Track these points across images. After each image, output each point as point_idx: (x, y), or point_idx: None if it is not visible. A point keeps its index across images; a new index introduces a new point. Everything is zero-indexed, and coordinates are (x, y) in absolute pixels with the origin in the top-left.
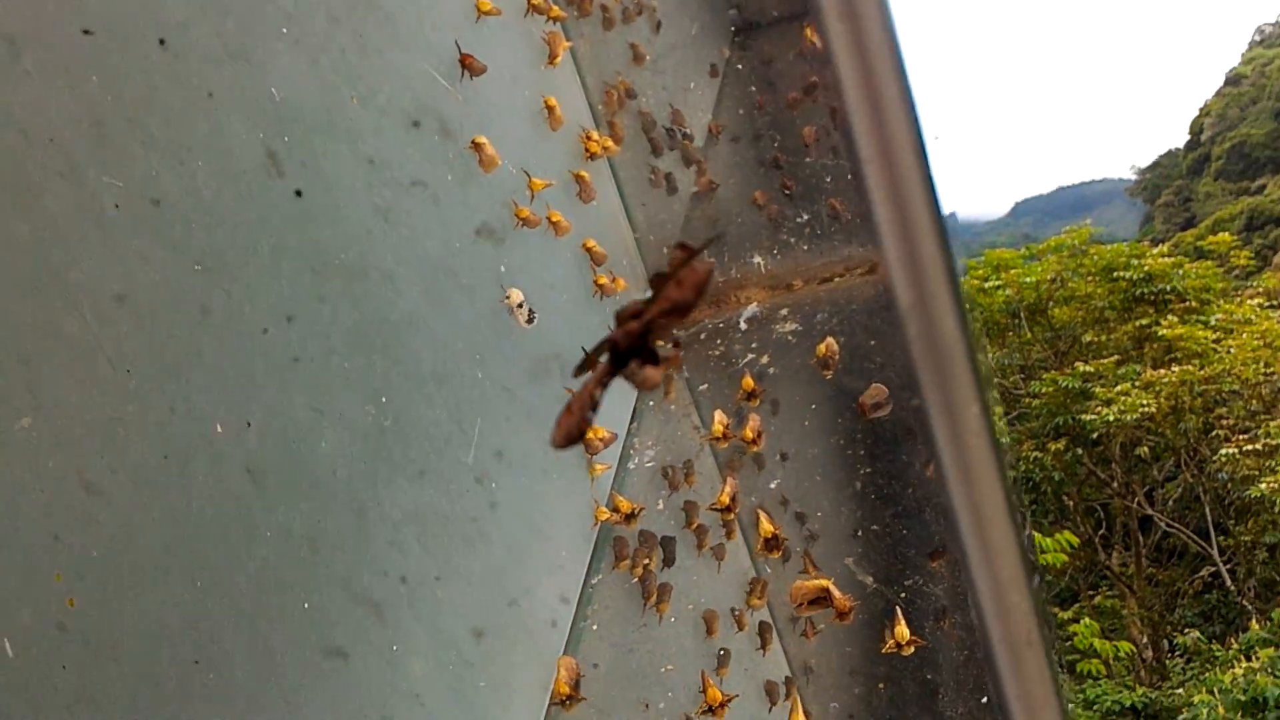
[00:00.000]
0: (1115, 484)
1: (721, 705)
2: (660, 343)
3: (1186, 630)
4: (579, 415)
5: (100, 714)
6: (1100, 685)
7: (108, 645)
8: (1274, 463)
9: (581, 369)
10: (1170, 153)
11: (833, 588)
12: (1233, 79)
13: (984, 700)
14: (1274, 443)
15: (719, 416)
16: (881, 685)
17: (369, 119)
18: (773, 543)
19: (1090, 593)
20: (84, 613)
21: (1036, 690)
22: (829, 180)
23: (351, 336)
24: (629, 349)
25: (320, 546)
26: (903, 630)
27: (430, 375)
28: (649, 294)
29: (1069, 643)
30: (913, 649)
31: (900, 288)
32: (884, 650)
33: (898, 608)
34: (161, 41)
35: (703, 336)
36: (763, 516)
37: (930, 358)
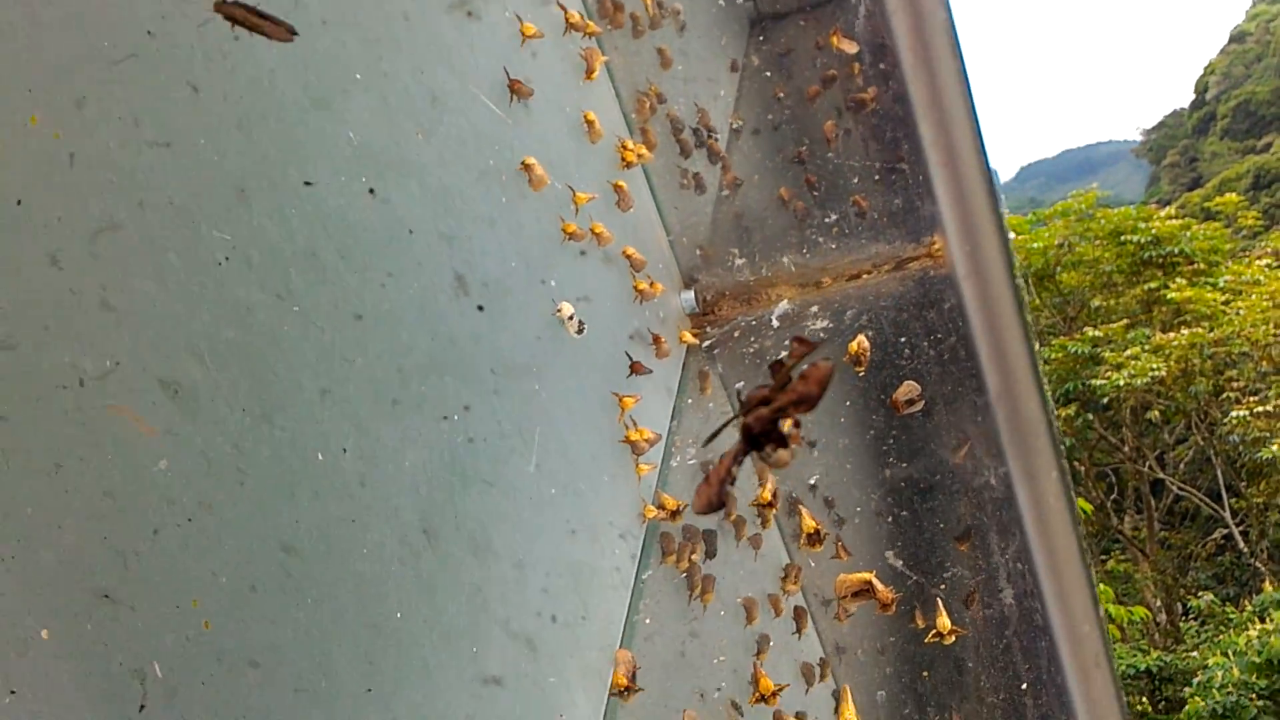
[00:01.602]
0: (1126, 448)
1: (774, 694)
2: (786, 425)
3: (1200, 593)
4: (717, 486)
5: (222, 652)
6: (1115, 649)
7: (276, 674)
8: None
9: (709, 441)
10: (1175, 113)
11: (875, 580)
12: (1237, 36)
13: (1022, 686)
14: None
15: None
16: (922, 669)
17: (432, 152)
18: (814, 537)
19: (1103, 557)
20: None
21: (1103, 705)
22: (854, 179)
23: (423, 357)
24: (761, 432)
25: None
26: (944, 621)
27: (495, 391)
28: (768, 379)
29: None
30: (954, 638)
31: (956, 255)
32: (926, 640)
33: (939, 599)
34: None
35: (736, 334)
36: (804, 512)
37: (996, 361)
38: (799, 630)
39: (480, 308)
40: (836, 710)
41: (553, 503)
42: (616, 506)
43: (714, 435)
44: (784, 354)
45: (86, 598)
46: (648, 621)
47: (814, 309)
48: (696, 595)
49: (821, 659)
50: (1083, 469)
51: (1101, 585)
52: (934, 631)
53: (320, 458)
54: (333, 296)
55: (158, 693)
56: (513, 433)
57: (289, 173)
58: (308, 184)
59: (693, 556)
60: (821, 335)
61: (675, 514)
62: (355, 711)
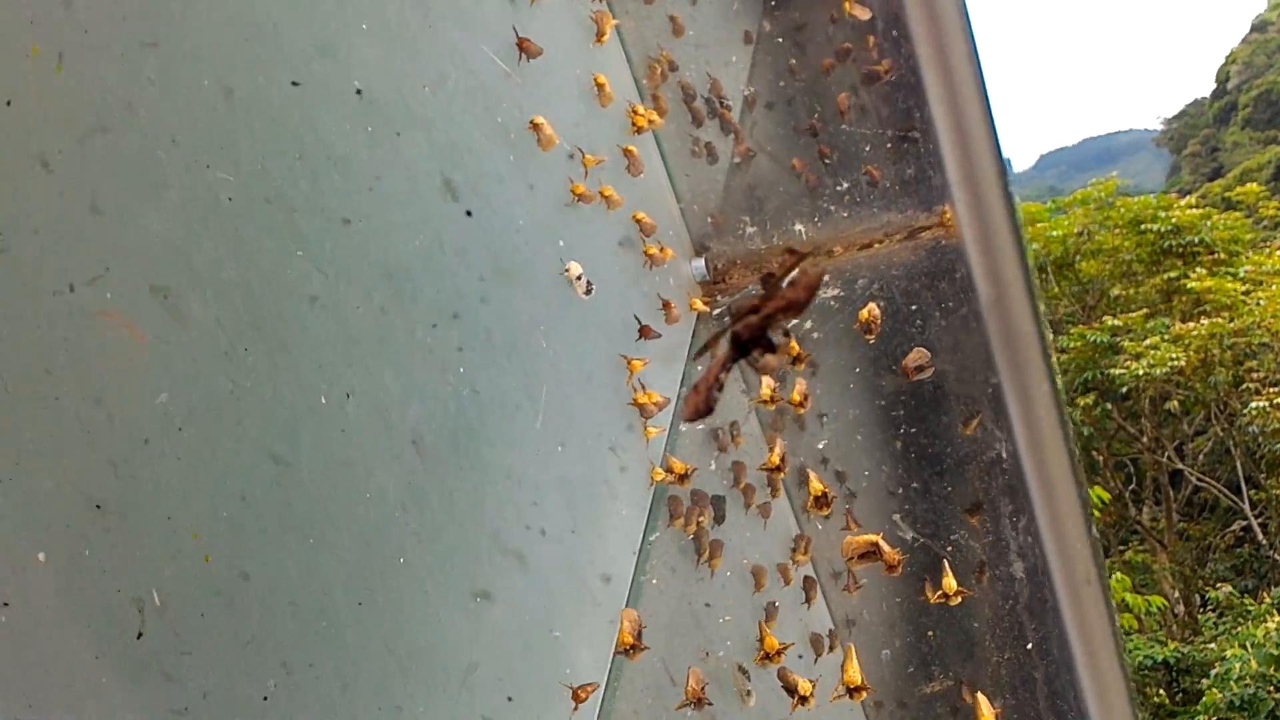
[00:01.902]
0: (1145, 438)
1: (778, 653)
2: (775, 333)
3: (1218, 585)
4: (705, 394)
5: (273, 647)
6: (1132, 640)
7: (272, 594)
8: None
9: (700, 353)
10: (1196, 102)
11: (882, 542)
12: (1259, 25)
13: (1028, 647)
14: None
15: (766, 380)
16: (929, 633)
17: (439, 105)
18: (822, 500)
19: (1121, 548)
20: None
21: (1094, 624)
22: (866, 148)
23: (431, 308)
24: (749, 339)
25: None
26: (950, 582)
27: (500, 345)
28: (759, 290)
29: None
30: (959, 599)
31: (966, 228)
32: (932, 600)
33: (945, 560)
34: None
35: None
36: (812, 475)
37: (995, 300)
38: (808, 600)
39: (469, 213)
40: (842, 668)
41: (542, 415)
42: (608, 421)
43: (704, 349)
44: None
45: (78, 508)
46: (654, 582)
47: (825, 277)
48: (704, 560)
49: (831, 630)
50: (1101, 459)
51: (1118, 574)
52: (939, 592)
53: (309, 366)
54: (321, 201)
55: (153, 613)
56: (501, 343)
57: (277, 73)
58: (295, 84)
59: (700, 521)
60: (832, 304)
61: (683, 478)
62: (347, 626)
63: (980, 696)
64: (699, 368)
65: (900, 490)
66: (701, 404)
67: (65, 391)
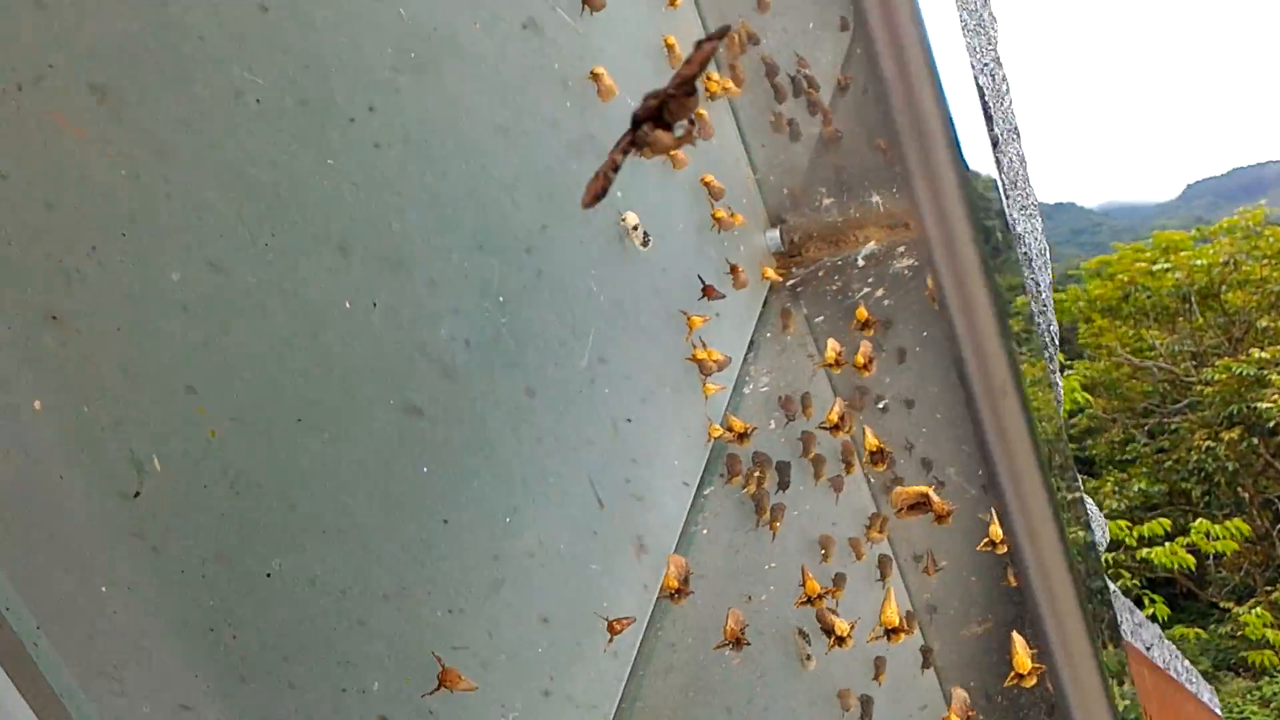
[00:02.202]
0: None
1: (819, 597)
2: (678, 119)
3: None
4: (603, 179)
5: (229, 463)
6: (1277, 682)
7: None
8: None
9: (613, 149)
10: None
11: (932, 493)
12: None
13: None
14: None
15: (832, 344)
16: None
17: (491, 44)
18: (879, 456)
19: (1268, 589)
20: (216, 413)
21: (1012, 433)
22: None
23: (470, 239)
24: (645, 119)
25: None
26: (996, 529)
27: (546, 284)
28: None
29: (1240, 635)
30: (1005, 548)
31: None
32: (978, 548)
33: (993, 509)
34: None
35: (821, 273)
36: (868, 431)
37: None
38: (883, 578)
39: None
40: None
41: (588, 355)
42: (661, 372)
43: (617, 145)
44: (864, 290)
45: (34, 319)
46: (705, 533)
47: (900, 249)
48: (764, 520)
49: (908, 611)
50: (1247, 495)
51: (1259, 609)
52: (986, 540)
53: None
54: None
55: (152, 476)
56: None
57: None
58: None
59: (760, 481)
60: (906, 273)
61: (743, 437)
62: (290, 443)
63: (1016, 635)
64: (768, 334)
65: (982, 471)
66: (598, 188)
67: (19, 196)
